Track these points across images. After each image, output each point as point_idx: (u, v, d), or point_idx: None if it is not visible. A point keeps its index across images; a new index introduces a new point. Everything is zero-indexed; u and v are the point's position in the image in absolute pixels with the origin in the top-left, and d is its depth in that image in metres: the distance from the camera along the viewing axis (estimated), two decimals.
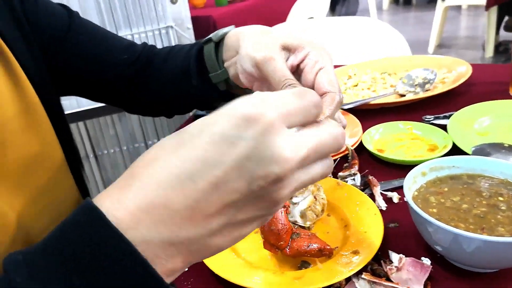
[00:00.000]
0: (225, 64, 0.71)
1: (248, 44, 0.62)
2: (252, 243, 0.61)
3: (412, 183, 0.59)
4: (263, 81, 0.65)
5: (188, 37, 1.78)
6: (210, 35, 0.71)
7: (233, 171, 0.34)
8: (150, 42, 1.71)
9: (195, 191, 0.34)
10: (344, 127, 0.58)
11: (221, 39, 0.70)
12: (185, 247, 0.35)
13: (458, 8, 6.30)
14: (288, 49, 0.61)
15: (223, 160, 0.34)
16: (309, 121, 0.37)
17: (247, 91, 0.75)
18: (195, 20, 1.97)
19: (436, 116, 0.91)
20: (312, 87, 0.57)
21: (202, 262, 0.55)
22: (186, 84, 0.77)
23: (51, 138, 0.68)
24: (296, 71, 0.60)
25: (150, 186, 0.34)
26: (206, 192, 0.34)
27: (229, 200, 0.34)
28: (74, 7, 1.53)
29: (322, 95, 0.54)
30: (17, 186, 0.61)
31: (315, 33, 1.72)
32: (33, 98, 0.64)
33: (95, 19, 1.60)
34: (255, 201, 0.35)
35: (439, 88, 1.01)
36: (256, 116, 0.34)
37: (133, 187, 0.34)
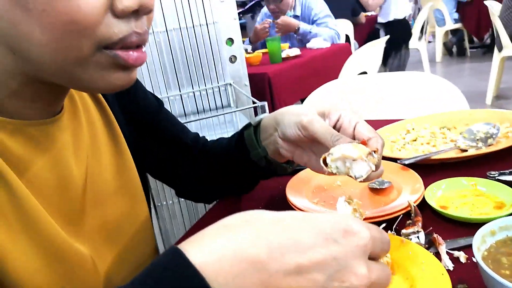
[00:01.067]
0: (264, 143, 0.81)
1: (290, 115, 0.73)
2: None
3: (481, 242, 0.57)
4: (304, 147, 0.73)
5: (245, 93, 1.86)
6: (249, 121, 0.82)
7: (318, 263, 0.38)
8: (211, 98, 1.81)
9: (280, 264, 0.37)
10: (381, 173, 0.64)
11: (258, 123, 0.82)
12: None
13: None
14: (323, 115, 0.71)
15: (314, 250, 0.38)
16: (381, 255, 0.45)
17: (284, 165, 0.86)
18: (251, 77, 2.07)
19: (501, 172, 0.88)
20: (353, 139, 0.67)
21: None
22: (230, 163, 0.88)
23: (140, 197, 0.77)
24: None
25: (241, 242, 0.37)
26: (288, 270, 0.37)
27: (304, 284, 0.38)
28: (143, 68, 1.66)
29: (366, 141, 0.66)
30: (109, 241, 0.69)
31: (369, 89, 1.74)
32: (129, 161, 0.75)
33: (160, 79, 1.72)
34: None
35: (503, 143, 0.98)
36: (356, 231, 0.40)
37: (223, 239, 0.38)
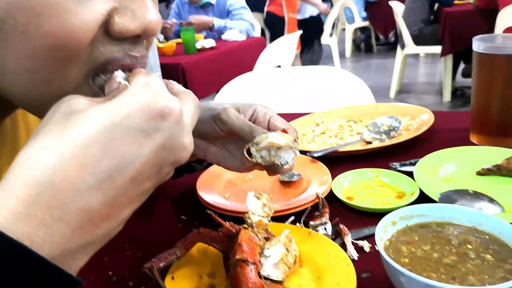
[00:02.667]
0: None
1: (203, 110, 0.69)
2: None
3: (383, 232, 0.59)
4: (217, 144, 0.70)
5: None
6: None
7: (150, 161, 0.37)
8: None
9: (114, 189, 0.35)
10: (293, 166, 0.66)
11: None
12: (98, 242, 0.36)
13: (417, 55, 6.64)
14: (237, 110, 0.70)
15: (142, 153, 0.36)
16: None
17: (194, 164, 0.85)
18: (164, 67, 2.00)
19: (402, 163, 0.93)
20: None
21: None
22: None
23: None
24: None
25: (66, 193, 0.32)
26: (125, 187, 0.35)
27: (142, 189, 0.37)
28: None
29: None
30: None
31: (282, 82, 1.76)
32: None
33: None
34: (159, 183, 0.39)
35: (404, 136, 1.04)
36: (171, 108, 0.38)
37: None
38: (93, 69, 0.44)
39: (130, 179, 0.35)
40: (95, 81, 0.45)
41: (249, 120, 0.70)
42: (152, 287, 0.64)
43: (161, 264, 0.60)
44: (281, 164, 0.62)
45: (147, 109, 0.37)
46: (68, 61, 0.41)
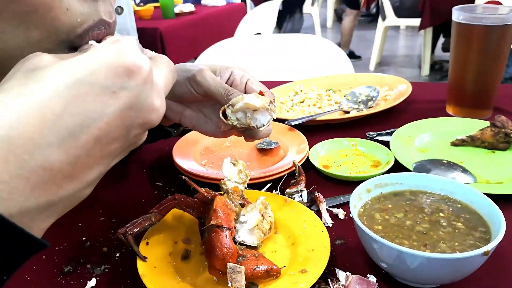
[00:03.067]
0: None
1: (179, 72, 0.67)
2: (197, 265, 0.59)
3: (357, 200, 0.59)
4: (193, 107, 0.68)
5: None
6: None
7: (116, 121, 0.35)
8: None
9: (77, 148, 0.33)
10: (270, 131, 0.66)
11: None
12: (62, 204, 0.35)
13: (397, 28, 6.63)
14: (214, 72, 0.68)
15: (106, 112, 0.34)
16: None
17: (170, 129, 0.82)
18: (141, 32, 1.94)
19: (378, 132, 0.93)
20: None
21: (145, 287, 0.52)
22: None
23: None
24: None
25: (24, 149, 0.31)
26: (88, 147, 0.34)
27: (108, 151, 0.36)
28: None
29: None
30: None
31: (262, 49, 1.74)
32: None
33: None
34: (128, 147, 0.38)
35: (381, 105, 1.04)
36: (137, 67, 0.36)
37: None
38: (69, 41, 0.43)
39: (94, 139, 0.33)
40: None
41: (226, 83, 0.69)
42: (126, 252, 0.63)
43: (135, 230, 0.59)
44: (257, 126, 0.61)
45: (112, 66, 0.35)
46: (27, 18, 0.39)
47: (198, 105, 0.71)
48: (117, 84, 0.35)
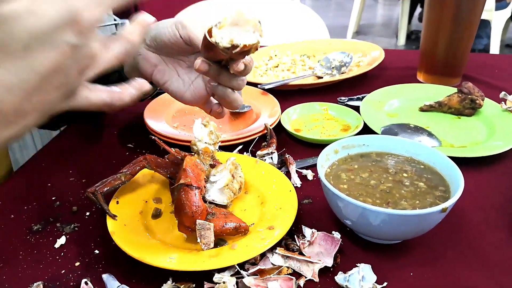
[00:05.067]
0: None
1: (164, 20, 0.65)
2: (167, 223, 0.60)
3: (325, 160, 0.61)
4: (169, 61, 0.66)
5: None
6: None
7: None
8: None
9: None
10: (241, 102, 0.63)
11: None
12: None
13: None
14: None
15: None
16: None
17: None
18: None
19: (350, 98, 0.94)
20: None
21: (115, 244, 0.53)
22: None
23: None
24: None
25: None
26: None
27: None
28: None
29: None
30: None
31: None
32: None
33: None
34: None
35: (354, 71, 1.05)
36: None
37: None
38: None
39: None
40: None
41: None
42: (96, 211, 0.63)
43: (105, 189, 0.59)
44: (245, 45, 0.53)
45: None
46: None
47: (174, 62, 0.68)
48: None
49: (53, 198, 0.67)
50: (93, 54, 0.37)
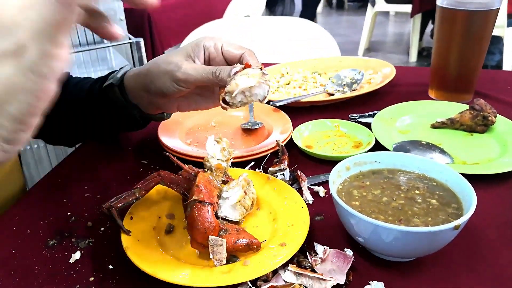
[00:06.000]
0: (135, 102, 0.74)
1: (160, 74, 0.67)
2: (180, 239, 0.60)
3: (336, 177, 0.61)
4: (187, 96, 0.68)
5: (121, 28, 1.72)
6: (111, 80, 0.74)
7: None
8: (81, 32, 1.64)
9: None
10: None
11: (121, 80, 0.74)
12: None
13: (387, 14, 6.63)
14: (189, 57, 0.66)
15: None
16: None
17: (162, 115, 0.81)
18: (129, 12, 1.92)
19: (361, 114, 0.95)
20: (226, 62, 0.67)
21: (129, 259, 0.53)
22: (94, 111, 0.79)
23: None
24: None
25: None
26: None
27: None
28: None
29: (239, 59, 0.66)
30: None
31: (251, 31, 1.73)
32: None
33: None
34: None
35: (365, 88, 1.06)
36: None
37: None
38: None
39: None
40: None
41: (205, 61, 0.68)
42: (110, 227, 0.64)
43: (120, 204, 0.60)
44: (259, 100, 0.62)
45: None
46: None
47: (191, 93, 0.70)
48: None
49: (68, 214, 0.68)
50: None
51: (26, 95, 0.35)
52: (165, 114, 0.80)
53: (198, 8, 2.96)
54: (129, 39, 1.58)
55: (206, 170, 0.63)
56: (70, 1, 0.35)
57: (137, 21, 2.32)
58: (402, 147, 0.78)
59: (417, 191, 0.60)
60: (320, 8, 7.45)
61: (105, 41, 1.71)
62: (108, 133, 0.87)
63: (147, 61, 0.74)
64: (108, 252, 0.60)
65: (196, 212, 0.55)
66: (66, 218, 0.67)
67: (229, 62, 0.67)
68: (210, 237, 0.54)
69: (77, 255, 0.59)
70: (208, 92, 0.72)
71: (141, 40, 1.42)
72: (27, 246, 0.61)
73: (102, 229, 0.64)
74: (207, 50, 0.67)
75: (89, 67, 1.68)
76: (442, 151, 0.78)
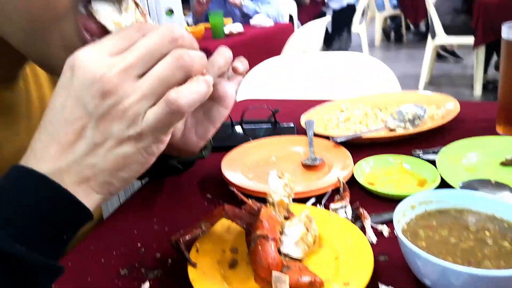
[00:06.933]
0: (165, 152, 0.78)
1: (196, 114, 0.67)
2: (243, 274, 0.62)
3: (401, 216, 0.60)
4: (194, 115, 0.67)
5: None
6: None
7: (70, 100, 0.43)
8: None
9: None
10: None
11: None
12: (74, 173, 0.44)
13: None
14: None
15: (63, 104, 0.43)
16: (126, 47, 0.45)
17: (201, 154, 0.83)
18: None
19: (425, 151, 0.93)
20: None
21: None
22: None
23: None
24: None
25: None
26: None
27: (77, 126, 0.43)
28: None
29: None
30: None
31: (309, 67, 1.76)
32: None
33: None
34: (103, 119, 0.43)
35: (428, 124, 1.04)
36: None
37: None
38: None
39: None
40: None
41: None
42: (178, 258, 0.67)
43: (187, 237, 0.63)
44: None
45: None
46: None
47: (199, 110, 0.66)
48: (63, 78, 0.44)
49: (138, 245, 0.71)
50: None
51: (137, 166, 0.46)
52: (204, 154, 0.82)
53: (257, 46, 3.05)
54: None
55: (268, 205, 0.65)
56: (183, 112, 0.44)
57: None
58: (470, 186, 0.75)
59: (487, 233, 0.58)
60: (378, 42, 7.43)
61: None
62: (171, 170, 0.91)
63: None
64: (175, 283, 0.62)
65: (260, 247, 0.56)
66: (137, 249, 0.70)
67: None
68: (274, 273, 0.54)
69: (146, 286, 0.61)
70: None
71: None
72: (102, 274, 0.65)
73: (170, 260, 0.67)
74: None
75: None
76: None
